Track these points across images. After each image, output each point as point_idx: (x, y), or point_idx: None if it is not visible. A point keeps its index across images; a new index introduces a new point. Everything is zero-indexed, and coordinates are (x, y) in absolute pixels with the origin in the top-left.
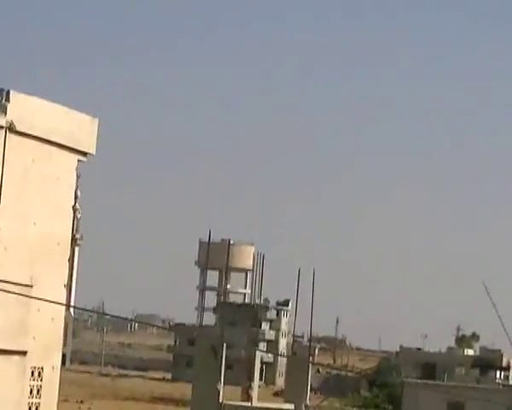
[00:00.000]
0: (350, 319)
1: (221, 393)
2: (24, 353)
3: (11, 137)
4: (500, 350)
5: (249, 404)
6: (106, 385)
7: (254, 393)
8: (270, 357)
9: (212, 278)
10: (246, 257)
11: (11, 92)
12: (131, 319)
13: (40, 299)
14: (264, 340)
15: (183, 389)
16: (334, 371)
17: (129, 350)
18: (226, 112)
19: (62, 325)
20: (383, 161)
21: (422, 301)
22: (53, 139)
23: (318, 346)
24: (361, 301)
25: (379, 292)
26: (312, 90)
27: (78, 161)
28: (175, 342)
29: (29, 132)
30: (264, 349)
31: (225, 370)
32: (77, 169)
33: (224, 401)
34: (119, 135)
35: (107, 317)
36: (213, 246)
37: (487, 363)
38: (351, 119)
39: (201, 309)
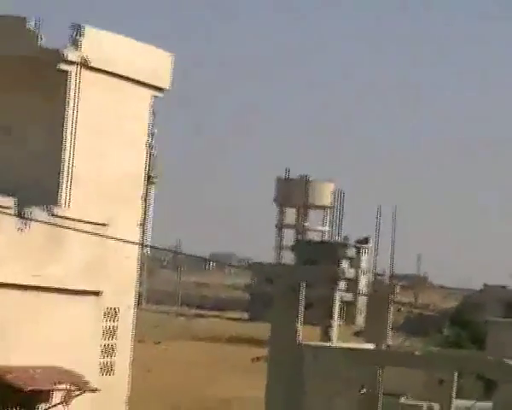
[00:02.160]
0: (432, 256)
1: (300, 333)
2: (99, 293)
3: (85, 74)
4: None
5: (329, 344)
6: (182, 325)
7: (334, 333)
8: (349, 296)
9: (291, 215)
10: (325, 194)
11: (85, 27)
12: (208, 259)
13: (115, 239)
14: (343, 278)
15: (261, 330)
16: (416, 310)
17: (205, 290)
18: (306, 55)
19: (137, 264)
20: None
21: (510, 238)
22: (128, 75)
23: (399, 284)
24: (444, 237)
25: (463, 228)
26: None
27: (154, 97)
28: (253, 281)
29: (104, 68)
30: (344, 288)
31: (304, 309)
32: (152, 106)
33: (303, 341)
34: (195, 71)
35: (184, 256)
36: (292, 183)
37: None
38: None
39: (279, 247)
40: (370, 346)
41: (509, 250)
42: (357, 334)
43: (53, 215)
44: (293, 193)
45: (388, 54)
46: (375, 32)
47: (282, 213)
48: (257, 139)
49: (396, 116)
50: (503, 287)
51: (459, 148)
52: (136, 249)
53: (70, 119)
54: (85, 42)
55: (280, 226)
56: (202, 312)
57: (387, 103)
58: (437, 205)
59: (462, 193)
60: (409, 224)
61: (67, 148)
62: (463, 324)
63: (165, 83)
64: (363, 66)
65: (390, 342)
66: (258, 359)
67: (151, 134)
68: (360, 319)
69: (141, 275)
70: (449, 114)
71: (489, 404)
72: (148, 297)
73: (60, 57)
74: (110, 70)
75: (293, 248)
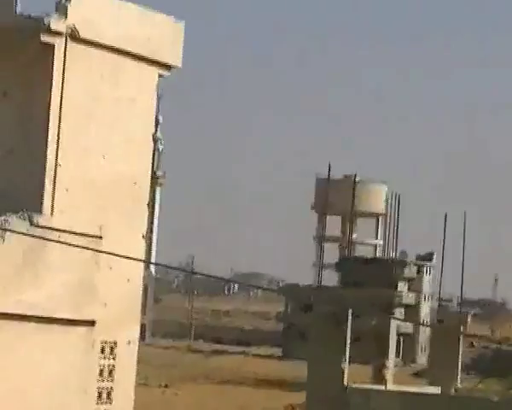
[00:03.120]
0: None
1: (345, 373)
2: (92, 323)
3: (73, 47)
4: None
5: (383, 387)
6: (196, 364)
7: (389, 373)
8: (409, 327)
9: (334, 225)
10: (376, 199)
11: None
12: (229, 280)
13: (112, 254)
14: (400, 305)
15: (297, 369)
16: (493, 345)
17: (226, 319)
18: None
19: (141, 288)
20: None
21: None
22: (127, 49)
23: (472, 312)
24: None
25: None
26: None
27: (159, 76)
28: (286, 308)
29: (96, 40)
30: (402, 317)
31: (351, 343)
32: (157, 87)
33: (350, 384)
34: (209, 45)
35: (198, 276)
36: (334, 184)
37: None
38: None
39: (320, 266)
40: (435, 390)
41: None
42: (419, 375)
43: (33, 225)
44: (336, 196)
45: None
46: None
47: (322, 222)
48: (294, 130)
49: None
50: None
51: None
52: (138, 268)
53: (54, 105)
54: (73, 8)
55: (320, 239)
56: (222, 347)
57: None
58: None
59: None
60: (483, 238)
61: (51, 142)
62: None
63: (173, 58)
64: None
65: (459, 384)
66: (292, 407)
67: (156, 123)
68: (422, 357)
69: (145, 301)
70: None
71: None
72: (153, 329)
73: (42, 27)
74: (103, 42)
75: (337, 267)
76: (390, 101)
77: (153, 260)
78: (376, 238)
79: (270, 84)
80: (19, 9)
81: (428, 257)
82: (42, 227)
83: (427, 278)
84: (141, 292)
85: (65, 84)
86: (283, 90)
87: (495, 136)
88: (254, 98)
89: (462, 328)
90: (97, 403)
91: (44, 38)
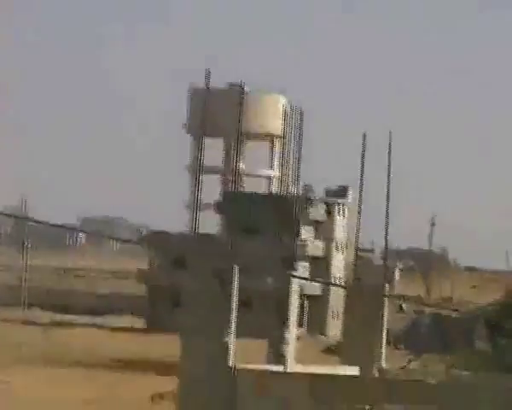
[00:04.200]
0: (456, 218)
1: (231, 350)
2: None
3: None
4: None
5: (281, 368)
6: (33, 342)
7: (289, 349)
8: (316, 287)
9: (214, 151)
10: (271, 115)
11: None
12: (74, 228)
13: None
14: (305, 257)
15: (166, 346)
16: (430, 310)
17: (75, 280)
18: None
19: None
20: None
21: None
22: None
23: (400, 266)
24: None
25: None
26: None
27: None
28: (151, 264)
29: None
30: (307, 273)
31: (239, 310)
32: None
33: (238, 364)
34: None
35: (33, 224)
36: (215, 96)
37: None
38: None
39: (196, 206)
40: (351, 370)
41: None
42: (330, 350)
43: None
44: (217, 112)
45: None
46: None
47: (199, 146)
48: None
49: None
50: None
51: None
52: None
53: None
54: None
55: (196, 170)
56: (67, 318)
57: None
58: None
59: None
60: (419, 168)
61: None
62: (511, 331)
63: None
64: None
65: (384, 363)
66: (161, 396)
67: None
68: (334, 327)
69: None
70: None
71: None
72: None
73: None
74: None
75: (218, 208)
76: None
77: None
78: (271, 168)
79: None
80: None
81: (342, 193)
82: None
83: (340, 221)
84: None
85: None
86: None
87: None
88: None
89: (387, 287)
90: None
91: None
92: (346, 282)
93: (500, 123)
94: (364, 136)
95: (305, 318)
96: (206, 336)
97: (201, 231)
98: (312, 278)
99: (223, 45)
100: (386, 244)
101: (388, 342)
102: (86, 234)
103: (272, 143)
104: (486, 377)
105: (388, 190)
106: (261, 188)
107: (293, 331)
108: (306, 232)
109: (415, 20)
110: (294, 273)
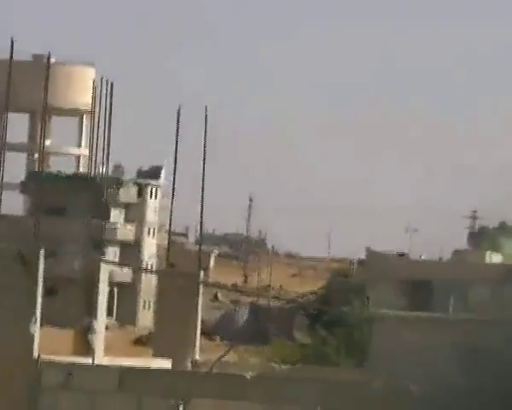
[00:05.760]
0: (275, 200)
1: (36, 339)
2: None
3: None
4: None
5: (89, 360)
6: None
7: (98, 340)
8: (127, 274)
9: (18, 127)
10: (80, 88)
11: None
12: None
13: None
14: (115, 242)
15: None
16: (247, 299)
17: None
18: None
19: None
20: None
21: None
22: None
23: (216, 252)
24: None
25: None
26: None
27: None
28: None
29: None
30: (116, 258)
31: (45, 296)
32: None
33: (42, 355)
34: None
35: None
36: (19, 67)
37: None
38: None
39: None
40: (164, 363)
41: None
42: (141, 341)
43: None
44: (22, 86)
45: None
46: None
47: (1, 121)
48: None
49: None
50: (401, 255)
51: None
52: None
53: None
54: None
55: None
56: None
57: None
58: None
59: None
60: (237, 145)
61: None
62: (332, 321)
63: None
64: None
65: (198, 356)
66: None
67: None
68: (145, 317)
69: None
70: None
71: None
72: None
73: None
74: None
75: (23, 187)
76: None
77: None
78: (80, 146)
79: None
80: None
81: (155, 173)
82: None
83: (152, 204)
84: None
85: None
86: None
87: None
88: None
89: (202, 274)
90: None
91: None
92: (158, 268)
93: None
94: (179, 110)
95: (115, 307)
96: (8, 324)
97: (3, 211)
98: (122, 263)
99: (28, 14)
100: (201, 228)
101: (203, 334)
102: None
103: (81, 120)
104: (304, 369)
105: (204, 170)
106: (70, 168)
107: (101, 321)
108: (116, 215)
109: None
110: (103, 258)
